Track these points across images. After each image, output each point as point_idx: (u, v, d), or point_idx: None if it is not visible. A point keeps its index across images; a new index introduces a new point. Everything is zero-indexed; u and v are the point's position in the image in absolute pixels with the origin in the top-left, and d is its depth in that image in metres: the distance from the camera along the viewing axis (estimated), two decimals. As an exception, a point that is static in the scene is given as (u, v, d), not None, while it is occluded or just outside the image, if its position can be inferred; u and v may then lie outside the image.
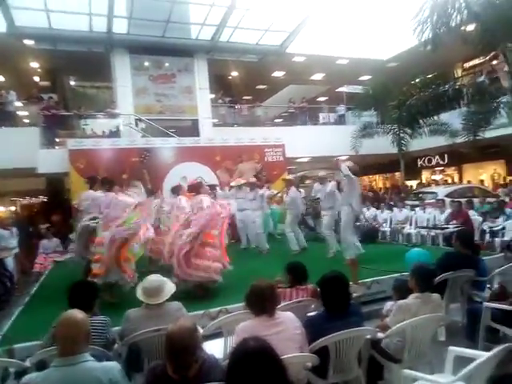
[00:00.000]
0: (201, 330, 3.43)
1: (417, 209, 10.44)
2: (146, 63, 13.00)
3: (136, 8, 11.47)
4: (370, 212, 11.25)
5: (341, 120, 16.21)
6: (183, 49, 13.01)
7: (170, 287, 3.28)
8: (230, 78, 16.97)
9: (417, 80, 10.36)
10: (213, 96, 15.48)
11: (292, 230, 8.30)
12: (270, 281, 2.77)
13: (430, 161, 17.73)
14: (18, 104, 13.04)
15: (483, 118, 6.30)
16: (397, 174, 17.24)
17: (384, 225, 10.70)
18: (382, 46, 14.98)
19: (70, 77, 16.27)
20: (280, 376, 1.74)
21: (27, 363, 2.74)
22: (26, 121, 12.89)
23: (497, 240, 8.12)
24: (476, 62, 15.17)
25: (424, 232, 9.18)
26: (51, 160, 10.37)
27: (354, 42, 14.49)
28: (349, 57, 15.55)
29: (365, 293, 5.27)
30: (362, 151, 13.46)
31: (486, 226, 8.61)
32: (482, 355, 2.50)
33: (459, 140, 7.78)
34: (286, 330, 2.64)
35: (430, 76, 8.09)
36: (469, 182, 15.22)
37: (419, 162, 18.07)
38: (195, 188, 6.24)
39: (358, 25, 13.67)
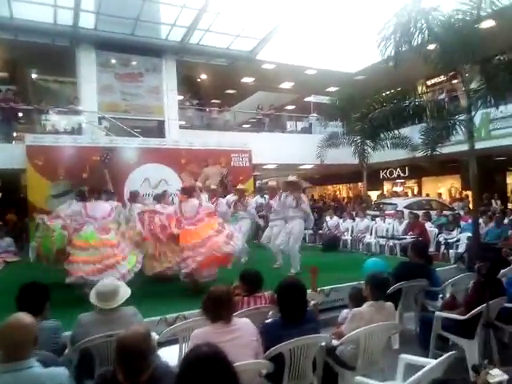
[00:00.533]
0: (156, 337, 3.38)
1: (377, 219, 10.73)
2: (113, 60, 12.68)
3: (105, 3, 11.18)
4: (332, 221, 11.44)
5: (307, 129, 16.46)
6: (152, 48, 12.82)
7: (124, 291, 3.17)
8: (198, 80, 16.92)
9: (382, 94, 10.72)
10: (181, 97, 15.36)
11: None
12: (227, 287, 2.73)
13: (391, 173, 18.32)
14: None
15: (440, 134, 6.58)
16: (360, 184, 17.70)
17: (345, 233, 10.90)
18: (350, 59, 15.36)
19: (31, 69, 15.66)
20: (232, 383, 1.71)
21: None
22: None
23: (451, 252, 8.47)
24: (437, 80, 15.88)
25: (383, 242, 9.43)
26: (7, 155, 9.89)
27: (323, 53, 14.78)
28: (318, 68, 15.84)
29: (323, 300, 5.34)
30: (327, 160, 13.72)
31: (441, 238, 8.97)
32: (429, 363, 2.58)
33: (418, 154, 8.07)
34: (241, 337, 2.61)
35: (392, 91, 8.36)
36: (427, 194, 15.83)
37: (381, 174, 18.63)
38: (188, 191, 6.28)
39: (328, 36, 13.96)
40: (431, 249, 8.45)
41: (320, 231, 11.58)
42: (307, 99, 17.96)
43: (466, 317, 3.57)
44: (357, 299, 3.41)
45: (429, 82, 17.09)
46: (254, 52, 13.96)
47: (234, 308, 2.74)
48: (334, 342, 3.14)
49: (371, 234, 10.26)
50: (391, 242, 9.09)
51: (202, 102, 15.86)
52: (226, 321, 2.62)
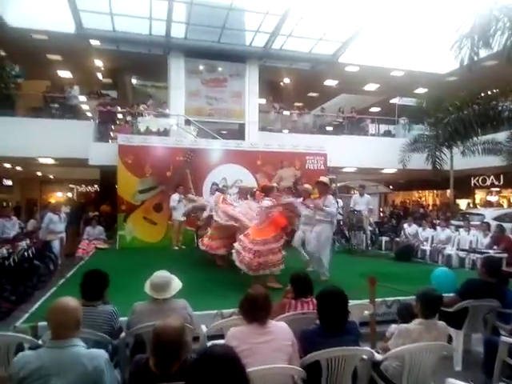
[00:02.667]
0: (205, 330, 3.58)
1: (461, 230, 9.96)
2: (200, 67, 13.42)
3: (194, 14, 11.90)
4: (410, 228, 10.87)
5: (390, 132, 15.79)
6: (236, 54, 13.31)
7: (176, 284, 3.41)
8: (281, 84, 17.10)
9: (477, 96, 9.89)
10: (263, 101, 15.70)
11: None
12: (265, 290, 2.81)
13: (484, 180, 16.79)
14: (82, 99, 14.04)
15: None
16: (448, 191, 16.51)
17: (425, 243, 10.29)
18: (441, 59, 14.42)
19: (131, 76, 17.18)
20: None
21: (40, 341, 2.99)
22: (89, 115, 13.82)
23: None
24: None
25: (463, 255, 8.73)
26: (102, 153, 11.02)
27: (411, 53, 14.13)
28: (405, 69, 15.12)
29: (384, 312, 5.15)
30: (410, 165, 13.06)
31: (532, 256, 8.01)
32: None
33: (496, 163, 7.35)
34: (274, 340, 2.67)
35: (482, 94, 7.62)
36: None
37: (472, 181, 17.16)
38: (267, 190, 6.48)
39: (417, 36, 13.31)
40: (520, 266, 7.65)
41: (397, 239, 11.07)
42: (392, 101, 17.22)
43: (534, 346, 3.23)
44: (405, 315, 3.27)
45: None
46: (337, 55, 13.79)
47: (271, 311, 2.78)
48: (377, 356, 3.05)
49: (453, 246, 9.54)
50: (473, 256, 8.38)
51: (283, 106, 16.03)
52: (261, 323, 2.69)
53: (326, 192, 6.57)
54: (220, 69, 13.54)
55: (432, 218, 11.83)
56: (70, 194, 22.55)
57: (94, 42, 12.90)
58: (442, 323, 3.14)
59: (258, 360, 2.56)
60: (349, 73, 15.38)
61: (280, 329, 2.76)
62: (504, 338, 3.61)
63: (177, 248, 9.94)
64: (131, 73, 16.63)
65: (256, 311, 2.70)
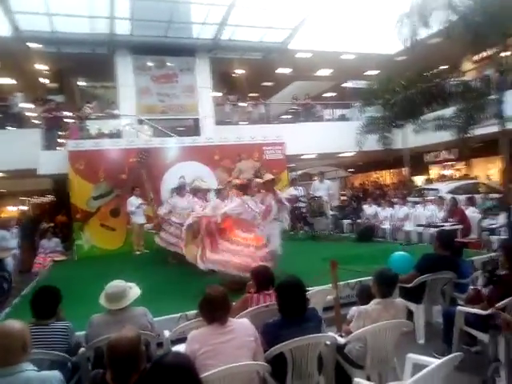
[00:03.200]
0: (167, 335, 3.50)
1: (417, 206, 10.29)
2: (149, 63, 13.05)
3: (137, 9, 11.54)
4: (370, 209, 11.13)
5: (345, 116, 16.05)
6: (185, 48, 13.04)
7: (134, 292, 3.30)
8: (234, 75, 16.96)
9: (424, 74, 10.11)
10: (217, 94, 15.52)
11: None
12: (222, 288, 2.77)
13: (437, 156, 17.43)
14: (27, 106, 13.34)
15: (470, 115, 6.13)
16: (403, 169, 17.03)
17: (384, 222, 10.57)
18: (389, 40, 14.69)
19: (77, 78, 16.51)
20: None
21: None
22: (36, 122, 13.15)
23: (493, 238, 7.87)
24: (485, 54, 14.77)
25: (421, 230, 9.03)
26: (52, 161, 10.53)
27: (360, 36, 14.25)
28: (355, 51, 15.36)
29: (349, 294, 5.24)
30: (366, 147, 13.30)
31: (485, 224, 8.40)
32: (433, 363, 2.47)
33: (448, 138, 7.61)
34: (236, 338, 2.63)
35: (432, 71, 7.76)
36: (475, 177, 14.89)
37: (426, 158, 17.77)
38: (244, 188, 6.43)
39: (364, 18, 13.43)
40: (473, 235, 7.99)
41: (358, 221, 11.31)
42: (345, 85, 17.48)
43: (487, 312, 3.37)
44: (365, 296, 3.32)
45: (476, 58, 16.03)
46: (287, 42, 13.80)
47: (230, 309, 2.74)
48: (340, 340, 3.09)
49: (411, 222, 9.85)
50: (430, 230, 8.66)
51: (238, 97, 15.93)
52: (221, 322, 2.65)
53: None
54: (169, 64, 13.24)
55: (390, 197, 12.14)
56: (23, 207, 21.59)
57: (34, 45, 12.26)
58: (399, 300, 3.22)
59: (222, 360, 2.52)
60: (300, 59, 15.44)
61: (241, 325, 2.73)
62: (460, 308, 3.76)
63: (139, 252, 9.64)
64: (77, 75, 15.96)
65: (215, 311, 2.66)
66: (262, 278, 3.61)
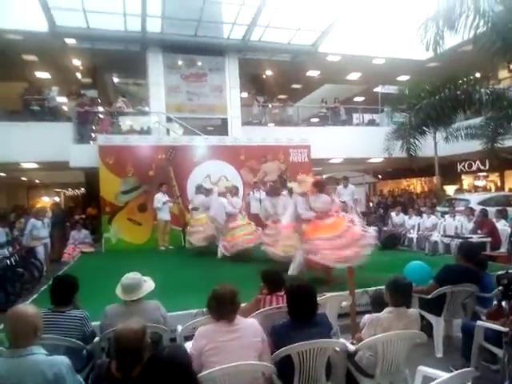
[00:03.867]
0: (180, 330, 3.53)
1: (446, 216, 9.98)
2: (179, 62, 13.23)
3: (169, 7, 11.70)
4: (397, 217, 10.90)
5: (375, 121, 15.79)
6: (215, 48, 13.13)
7: (148, 285, 3.36)
8: (264, 77, 16.99)
9: (458, 81, 9.81)
10: (245, 95, 15.58)
11: None
12: (232, 287, 2.76)
13: (470, 166, 16.88)
14: (62, 100, 13.80)
15: (498, 125, 5.88)
16: (435, 178, 16.57)
17: (411, 231, 10.33)
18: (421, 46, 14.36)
19: (111, 74, 16.92)
20: None
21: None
22: (70, 116, 13.57)
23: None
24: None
25: (449, 241, 8.76)
26: (83, 155, 10.83)
27: (391, 41, 14.05)
28: (386, 56, 15.09)
29: (367, 302, 5.13)
30: (396, 153, 13.05)
31: (515, 237, 8.04)
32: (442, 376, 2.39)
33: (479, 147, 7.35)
34: (243, 337, 2.63)
35: (465, 79, 7.48)
36: (510, 189, 14.34)
37: (459, 167, 17.24)
38: (320, 185, 6.13)
39: (396, 23, 13.21)
40: (503, 249, 7.68)
41: (385, 228, 11.09)
42: (376, 90, 17.20)
43: (507, 329, 3.22)
44: (378, 304, 3.25)
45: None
46: (316, 45, 13.68)
47: (238, 308, 2.74)
48: (350, 347, 3.03)
49: (439, 232, 9.56)
50: (458, 242, 8.36)
51: (266, 99, 15.94)
52: (228, 320, 2.66)
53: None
54: (199, 63, 13.37)
55: (419, 206, 11.86)
56: (57, 199, 22.32)
57: (70, 41, 12.64)
58: (413, 311, 3.13)
59: (227, 358, 2.53)
60: (330, 62, 15.30)
61: (249, 325, 2.73)
62: (480, 323, 3.61)
63: (163, 248, 9.80)
64: (110, 71, 16.37)
65: (223, 308, 2.67)
66: (273, 280, 3.58)
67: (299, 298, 2.86)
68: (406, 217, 10.79)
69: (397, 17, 13.12)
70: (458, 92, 6.13)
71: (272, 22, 12.43)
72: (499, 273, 4.23)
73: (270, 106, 15.41)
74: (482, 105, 6.19)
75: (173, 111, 12.86)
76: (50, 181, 19.90)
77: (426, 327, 4.14)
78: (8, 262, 7.32)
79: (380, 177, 21.70)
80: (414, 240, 9.99)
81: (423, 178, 20.89)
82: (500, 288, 3.39)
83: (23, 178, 18.86)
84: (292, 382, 2.84)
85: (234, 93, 13.44)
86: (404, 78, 16.87)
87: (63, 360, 2.23)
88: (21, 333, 2.14)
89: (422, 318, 4.21)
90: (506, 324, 3.29)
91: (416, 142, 9.53)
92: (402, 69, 16.04)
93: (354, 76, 17.30)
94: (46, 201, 21.50)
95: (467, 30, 5.44)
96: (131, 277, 3.31)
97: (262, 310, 3.48)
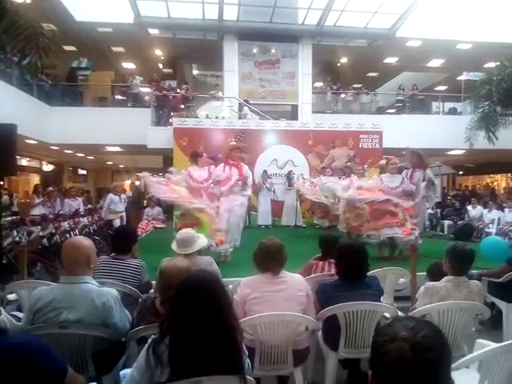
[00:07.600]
0: (230, 287, 3.61)
1: (530, 211, 9.09)
2: (254, 49, 13.42)
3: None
4: (475, 211, 10.13)
5: (456, 110, 14.73)
6: (289, 34, 13.11)
7: (201, 241, 3.48)
8: (338, 64, 16.63)
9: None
10: (318, 83, 15.35)
11: None
12: (279, 240, 2.77)
13: None
14: (144, 88, 14.69)
15: None
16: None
17: (490, 226, 9.54)
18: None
19: (190, 65, 17.61)
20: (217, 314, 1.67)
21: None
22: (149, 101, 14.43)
23: None
24: None
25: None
26: (159, 137, 11.47)
27: (478, 22, 12.94)
28: (472, 40, 13.97)
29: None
30: (479, 145, 12.07)
31: None
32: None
33: None
34: (287, 290, 2.63)
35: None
36: None
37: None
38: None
39: (484, 2, 12.16)
40: None
41: (460, 222, 10.37)
42: (459, 78, 16.01)
43: None
44: (435, 273, 3.05)
45: None
46: (395, 29, 13.06)
47: (285, 261, 2.72)
48: (400, 315, 2.89)
49: (521, 228, 8.75)
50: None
51: (340, 86, 15.56)
52: (274, 272, 2.67)
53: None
54: (273, 50, 13.46)
55: (501, 200, 10.89)
56: (137, 183, 23.80)
57: (153, 31, 13.38)
58: (475, 282, 2.90)
59: (270, 308, 2.55)
60: (410, 48, 14.55)
61: (294, 279, 2.72)
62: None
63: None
64: (190, 61, 17.05)
65: (269, 261, 2.67)
66: (328, 246, 3.53)
67: (350, 257, 2.79)
68: (485, 210, 9.98)
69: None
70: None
71: (348, 5, 12.06)
72: None
73: (342, 95, 14.96)
74: None
75: (244, 97, 13.06)
76: (131, 165, 21.31)
77: (496, 316, 3.83)
78: (87, 229, 8.00)
79: (461, 172, 20.24)
80: (493, 234, 9.19)
81: (509, 174, 19.10)
82: None
83: (109, 163, 20.43)
84: (337, 344, 2.79)
85: (306, 79, 13.34)
86: (493, 64, 15.48)
87: (112, 292, 2.39)
88: (74, 261, 2.31)
89: (492, 305, 3.91)
90: None
91: (501, 128, 8.67)
92: (491, 53, 14.72)
93: (435, 63, 16.29)
94: (127, 183, 23.07)
95: None
96: (185, 231, 3.46)
97: (313, 275, 3.45)
